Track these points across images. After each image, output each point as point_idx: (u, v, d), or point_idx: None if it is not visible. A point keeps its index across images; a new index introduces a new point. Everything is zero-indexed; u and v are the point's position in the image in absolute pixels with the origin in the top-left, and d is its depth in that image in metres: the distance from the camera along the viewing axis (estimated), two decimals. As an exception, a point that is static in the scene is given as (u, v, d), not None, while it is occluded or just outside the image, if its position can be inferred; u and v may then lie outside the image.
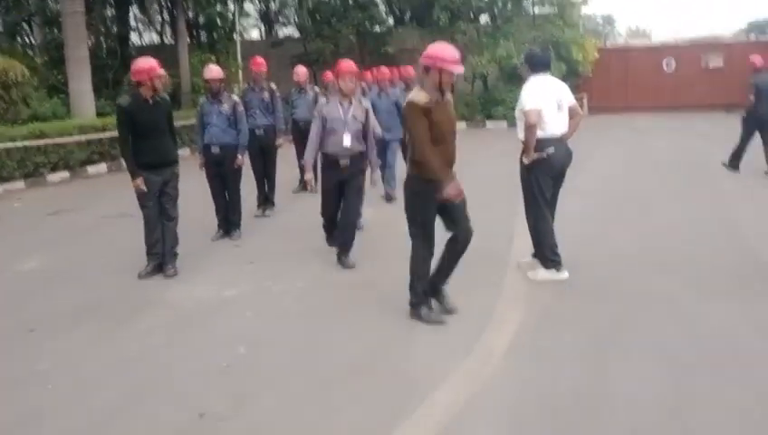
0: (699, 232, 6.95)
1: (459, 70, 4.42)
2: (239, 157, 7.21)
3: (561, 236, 5.61)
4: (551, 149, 5.27)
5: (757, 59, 10.84)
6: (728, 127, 12.69)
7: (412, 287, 4.75)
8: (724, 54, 22.85)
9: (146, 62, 5.84)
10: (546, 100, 5.28)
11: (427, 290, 4.77)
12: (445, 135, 4.52)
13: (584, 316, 4.74)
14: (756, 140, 10.21)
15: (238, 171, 7.30)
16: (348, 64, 5.97)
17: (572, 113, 5.54)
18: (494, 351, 4.26)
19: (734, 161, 10.50)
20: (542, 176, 5.35)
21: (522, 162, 5.41)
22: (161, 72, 5.88)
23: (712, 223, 7.29)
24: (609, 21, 48.61)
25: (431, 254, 4.74)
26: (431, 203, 4.52)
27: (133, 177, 5.93)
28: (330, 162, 6.06)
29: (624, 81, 22.43)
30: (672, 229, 7.09)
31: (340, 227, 6.26)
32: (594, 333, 4.44)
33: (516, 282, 5.57)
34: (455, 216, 4.60)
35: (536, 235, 5.55)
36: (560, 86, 5.58)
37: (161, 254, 6.08)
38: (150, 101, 5.86)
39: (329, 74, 10.82)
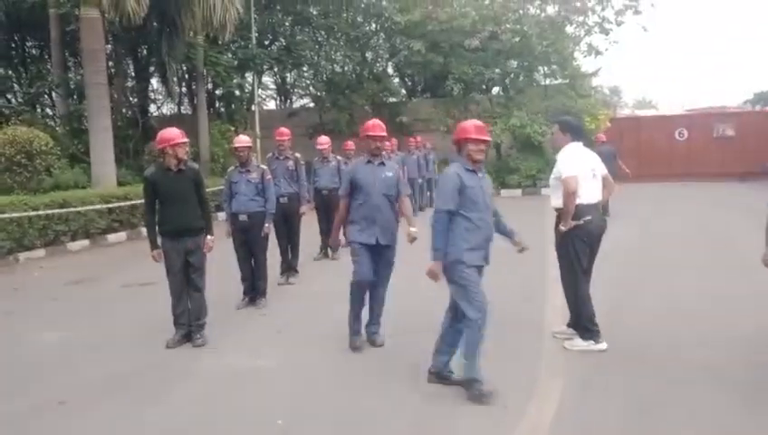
0: (732, 297, 6.83)
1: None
2: (266, 225, 7.21)
3: (594, 302, 5.49)
4: (588, 217, 5.24)
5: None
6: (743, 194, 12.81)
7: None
8: (734, 123, 23.14)
9: (168, 133, 5.89)
10: (582, 167, 5.29)
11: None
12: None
13: (625, 388, 4.61)
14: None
15: (265, 239, 7.29)
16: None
17: (605, 182, 5.54)
18: (540, 426, 4.12)
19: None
20: (580, 243, 5.30)
21: (558, 230, 5.37)
22: (183, 141, 5.86)
23: (744, 290, 7.12)
24: (615, 92, 49.59)
25: None
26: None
27: (151, 247, 5.99)
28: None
29: (636, 150, 22.52)
30: (703, 297, 6.95)
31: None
32: (638, 408, 4.29)
33: (553, 351, 5.43)
34: None
35: (575, 304, 5.45)
36: (592, 154, 5.61)
37: (188, 323, 5.99)
38: (174, 170, 5.90)
39: (349, 143, 11.04)
